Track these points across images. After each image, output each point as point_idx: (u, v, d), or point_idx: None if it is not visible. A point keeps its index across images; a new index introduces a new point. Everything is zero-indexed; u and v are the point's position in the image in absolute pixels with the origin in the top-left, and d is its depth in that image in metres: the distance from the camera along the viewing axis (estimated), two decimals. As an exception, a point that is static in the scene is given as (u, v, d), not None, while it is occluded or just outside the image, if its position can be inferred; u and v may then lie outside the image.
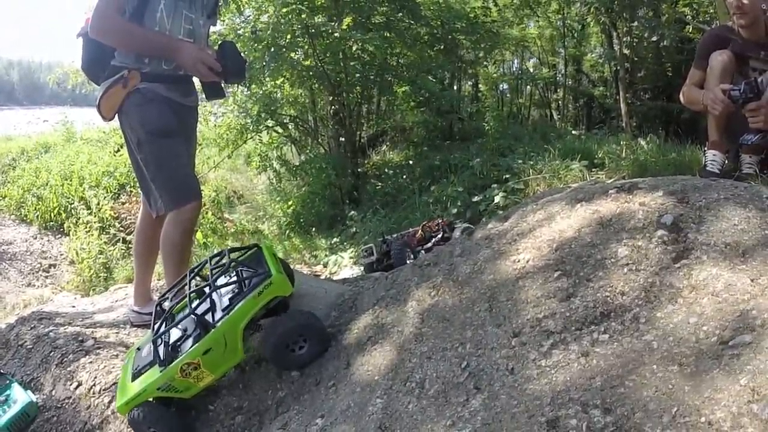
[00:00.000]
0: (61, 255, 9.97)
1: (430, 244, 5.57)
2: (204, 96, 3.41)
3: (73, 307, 5.42)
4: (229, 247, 2.97)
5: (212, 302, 2.61)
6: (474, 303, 2.23)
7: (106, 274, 8.64)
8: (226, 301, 2.56)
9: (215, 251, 3.13)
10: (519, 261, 2.30)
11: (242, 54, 3.31)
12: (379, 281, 3.08)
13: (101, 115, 3.22)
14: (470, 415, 1.73)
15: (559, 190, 3.23)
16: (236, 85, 9.66)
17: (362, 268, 5.59)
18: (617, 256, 2.05)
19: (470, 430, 1.66)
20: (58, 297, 7.43)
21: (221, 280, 2.69)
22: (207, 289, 2.60)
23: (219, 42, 3.25)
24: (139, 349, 2.82)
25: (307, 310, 2.76)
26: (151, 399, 2.51)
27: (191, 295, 2.55)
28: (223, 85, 3.26)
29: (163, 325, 2.63)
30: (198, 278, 2.80)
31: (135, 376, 2.59)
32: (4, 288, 8.22)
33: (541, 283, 2.10)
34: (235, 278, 2.65)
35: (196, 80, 3.40)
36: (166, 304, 2.79)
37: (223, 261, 2.76)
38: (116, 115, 3.22)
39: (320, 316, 2.89)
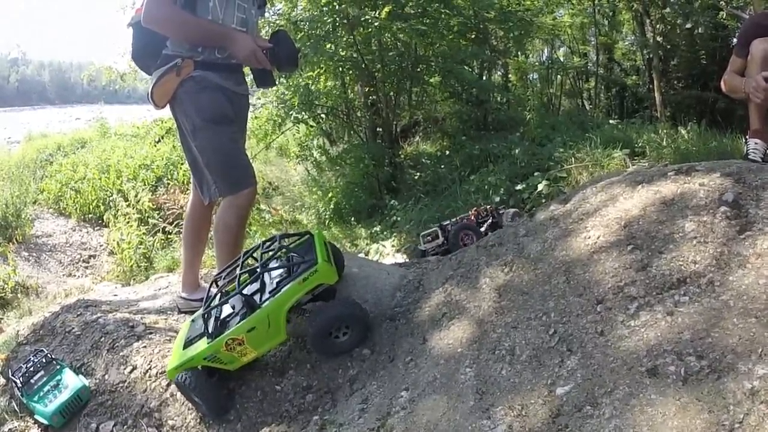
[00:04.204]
0: (101, 246, 10.09)
1: (483, 229, 5.75)
2: (254, 84, 3.50)
3: (115, 295, 5.39)
4: (280, 233, 3.12)
5: (262, 284, 2.79)
6: (550, 277, 2.47)
7: (146, 264, 8.75)
8: (273, 284, 2.73)
9: (266, 237, 3.28)
10: (590, 238, 2.54)
11: (295, 42, 3.45)
12: (442, 262, 3.26)
13: (153, 103, 3.29)
14: (568, 373, 1.96)
15: (614, 174, 3.42)
16: (287, 73, 9.72)
17: (423, 251, 5.70)
18: (684, 230, 2.30)
19: (572, 386, 1.90)
20: (98, 286, 7.43)
21: (272, 264, 2.86)
22: (258, 271, 2.76)
23: (274, 30, 3.36)
24: (193, 321, 3.04)
25: (351, 299, 2.93)
26: (198, 367, 2.69)
27: (242, 275, 2.74)
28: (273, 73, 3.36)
29: (215, 300, 2.81)
30: (252, 260, 2.96)
31: (186, 345, 2.79)
32: (45, 278, 8.29)
33: (615, 256, 2.35)
34: (285, 263, 2.82)
35: (246, 68, 3.49)
36: (220, 282, 2.94)
37: (274, 246, 2.92)
38: (168, 104, 3.31)
39: (385, 297, 3.08)
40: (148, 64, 3.30)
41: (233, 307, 2.81)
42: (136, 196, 10.79)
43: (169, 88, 3.20)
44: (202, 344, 2.69)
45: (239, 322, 2.64)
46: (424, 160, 12.81)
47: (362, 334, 2.81)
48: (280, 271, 2.81)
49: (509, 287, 2.59)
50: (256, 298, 2.71)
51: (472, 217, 6.06)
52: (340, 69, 11.73)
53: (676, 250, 2.22)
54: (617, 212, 2.60)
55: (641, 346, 1.88)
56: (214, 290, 2.89)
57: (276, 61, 3.20)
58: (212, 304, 2.79)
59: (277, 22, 10.48)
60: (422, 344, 2.64)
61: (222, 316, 2.79)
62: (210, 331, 2.67)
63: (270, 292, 2.68)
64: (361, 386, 2.65)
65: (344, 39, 10.96)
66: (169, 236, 9.63)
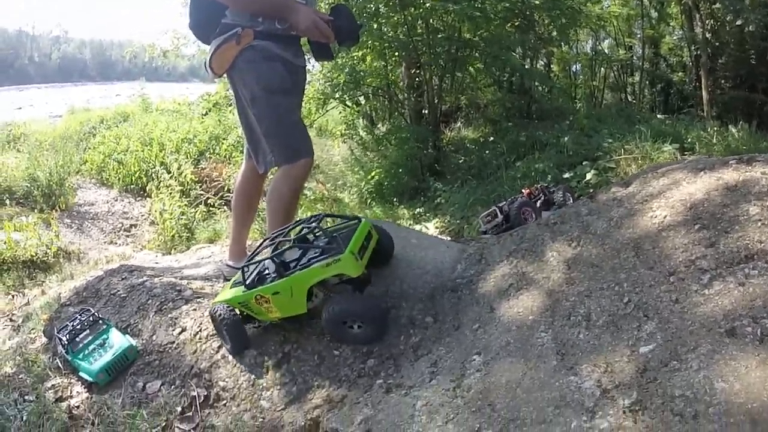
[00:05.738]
0: (142, 216, 10.30)
1: (537, 205, 5.91)
2: (312, 56, 3.61)
3: (157, 263, 5.57)
4: (323, 213, 3.23)
5: (302, 254, 2.90)
6: (619, 252, 2.64)
7: (187, 235, 8.94)
8: (307, 259, 2.84)
9: (315, 213, 3.40)
10: (656, 217, 2.71)
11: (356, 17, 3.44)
12: (503, 238, 3.37)
13: (211, 71, 3.35)
14: (648, 336, 2.13)
15: (673, 162, 3.54)
16: (347, 48, 9.88)
17: (484, 231, 5.83)
18: (749, 213, 2.46)
19: (655, 345, 2.07)
20: (139, 254, 7.71)
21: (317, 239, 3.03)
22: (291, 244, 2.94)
23: (333, 4, 3.44)
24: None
25: (372, 299, 3.01)
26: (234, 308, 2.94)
27: (282, 242, 2.95)
28: (331, 46, 3.42)
29: (260, 255, 2.99)
30: (299, 228, 3.08)
31: (233, 286, 3.05)
32: (87, 245, 8.49)
33: (683, 234, 2.52)
34: (325, 242, 2.93)
35: (303, 40, 3.50)
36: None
37: (313, 223, 3.02)
38: (226, 73, 3.37)
39: (445, 268, 3.20)
40: (207, 34, 3.36)
41: (267, 268, 2.96)
42: (178, 168, 10.98)
43: (229, 56, 3.26)
44: (241, 289, 2.91)
45: (270, 282, 2.82)
46: (467, 145, 12.90)
47: (377, 331, 2.87)
48: (319, 247, 2.91)
49: (578, 260, 2.73)
50: (293, 265, 2.84)
51: (526, 196, 6.20)
52: (386, 50, 11.77)
53: (741, 230, 2.38)
54: (681, 195, 2.76)
55: (717, 311, 2.05)
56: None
57: (337, 35, 3.23)
58: (255, 259, 2.98)
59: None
60: (490, 312, 2.72)
61: (263, 272, 2.95)
62: (247, 282, 2.89)
63: (301, 265, 2.80)
64: (426, 352, 2.69)
65: (394, 18, 10.97)
66: (210, 208, 9.82)
